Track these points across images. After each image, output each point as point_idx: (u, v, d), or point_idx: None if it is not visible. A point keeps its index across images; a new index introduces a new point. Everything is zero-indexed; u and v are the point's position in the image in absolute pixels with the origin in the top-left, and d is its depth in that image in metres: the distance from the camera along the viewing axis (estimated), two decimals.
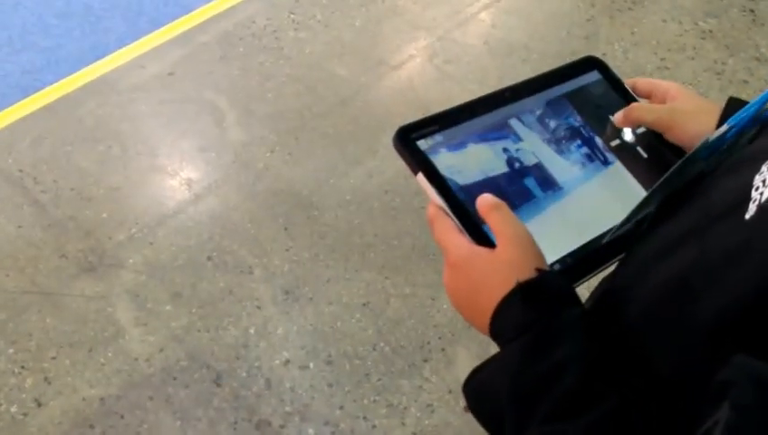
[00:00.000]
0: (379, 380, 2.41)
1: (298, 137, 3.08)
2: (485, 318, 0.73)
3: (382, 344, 2.49)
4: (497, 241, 0.76)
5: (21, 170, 2.92)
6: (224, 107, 3.18)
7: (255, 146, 3.04)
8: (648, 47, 3.53)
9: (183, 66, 3.34)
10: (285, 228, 2.78)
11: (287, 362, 2.44)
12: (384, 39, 3.56)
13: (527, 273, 0.72)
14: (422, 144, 0.83)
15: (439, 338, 2.50)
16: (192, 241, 2.73)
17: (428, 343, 2.49)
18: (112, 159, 2.98)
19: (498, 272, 0.73)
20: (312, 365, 2.43)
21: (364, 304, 2.58)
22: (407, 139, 0.83)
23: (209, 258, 2.68)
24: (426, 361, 2.45)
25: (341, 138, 3.09)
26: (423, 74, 3.38)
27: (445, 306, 2.55)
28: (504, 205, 0.77)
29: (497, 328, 0.73)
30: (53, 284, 2.59)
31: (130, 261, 2.66)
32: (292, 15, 3.60)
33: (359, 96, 3.25)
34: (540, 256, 0.75)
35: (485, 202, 0.77)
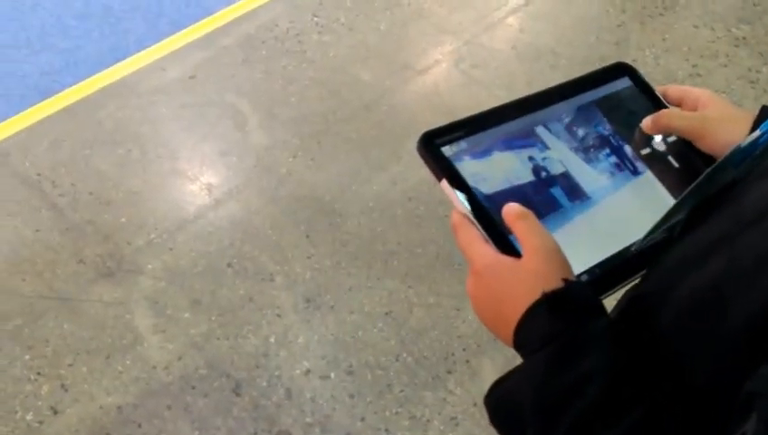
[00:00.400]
0: (402, 391, 2.34)
1: (321, 141, 3.03)
2: (509, 328, 0.72)
3: (405, 355, 2.42)
4: (523, 250, 0.75)
5: (39, 174, 2.88)
6: (246, 111, 3.13)
7: (278, 150, 2.99)
8: (679, 54, 3.45)
9: (205, 69, 3.30)
10: (307, 235, 2.72)
11: (308, 371, 2.38)
12: (409, 43, 3.51)
13: (553, 283, 0.71)
14: (446, 150, 0.81)
15: (464, 349, 2.44)
16: (212, 247, 2.68)
17: (453, 354, 2.43)
18: (132, 162, 2.94)
19: (523, 281, 0.73)
20: (333, 375, 2.37)
21: (387, 314, 2.52)
22: (431, 144, 0.81)
23: (229, 265, 2.63)
24: (450, 372, 2.39)
25: (365, 143, 3.04)
26: (449, 79, 3.32)
27: (470, 317, 2.49)
28: (530, 214, 0.76)
29: (522, 338, 0.72)
30: (71, 289, 2.55)
31: (149, 267, 2.61)
32: (315, 18, 3.55)
33: (383, 101, 3.20)
34: (566, 266, 0.74)
35: (512, 211, 0.76)
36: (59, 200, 2.80)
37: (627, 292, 0.85)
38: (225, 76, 3.28)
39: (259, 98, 3.19)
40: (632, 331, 0.72)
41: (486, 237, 0.77)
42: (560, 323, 0.69)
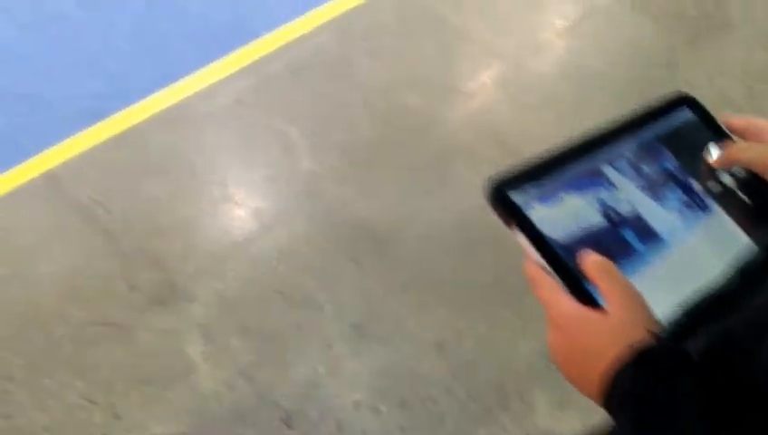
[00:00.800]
0: (454, 425, 2.32)
1: (369, 167, 3.01)
2: (594, 383, 0.72)
3: (457, 387, 2.40)
4: (608, 304, 0.74)
5: (90, 198, 2.90)
6: (294, 136, 3.13)
7: (326, 176, 2.99)
8: (733, 76, 3.38)
9: (254, 95, 3.30)
10: (356, 262, 2.71)
11: (358, 403, 2.36)
12: (457, 66, 3.49)
13: (639, 335, 0.70)
14: (516, 198, 0.79)
15: (517, 382, 2.40)
16: (261, 274, 2.68)
17: (505, 387, 2.39)
18: (182, 188, 2.95)
19: (608, 335, 0.72)
20: (383, 408, 2.35)
21: (437, 344, 2.50)
22: (501, 193, 0.79)
23: (278, 292, 2.63)
24: (503, 407, 2.35)
25: (414, 168, 3.02)
26: (497, 103, 3.29)
27: (523, 349, 2.45)
28: (611, 265, 0.75)
29: (610, 396, 0.70)
30: (123, 316, 2.56)
31: (200, 294, 2.61)
32: (363, 43, 3.54)
33: (431, 125, 3.17)
34: (650, 316, 0.74)
35: (591, 261, 0.76)
36: (110, 226, 2.81)
37: (707, 336, 0.83)
38: (274, 101, 3.28)
39: (307, 123, 3.19)
40: (720, 371, 0.70)
41: (564, 287, 0.76)
42: (649, 380, 0.68)
